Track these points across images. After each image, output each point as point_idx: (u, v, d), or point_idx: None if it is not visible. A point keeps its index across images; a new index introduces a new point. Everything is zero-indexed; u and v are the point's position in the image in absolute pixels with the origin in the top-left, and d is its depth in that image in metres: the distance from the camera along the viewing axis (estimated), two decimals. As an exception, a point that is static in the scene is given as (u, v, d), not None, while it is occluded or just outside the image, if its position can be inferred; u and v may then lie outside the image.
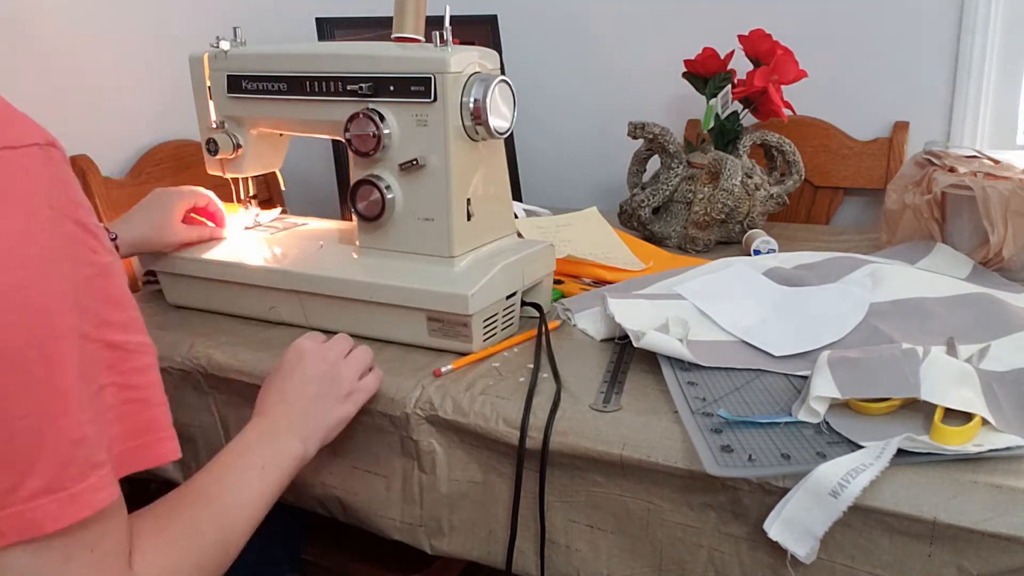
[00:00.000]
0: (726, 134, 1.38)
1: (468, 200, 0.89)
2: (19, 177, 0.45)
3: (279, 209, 1.15)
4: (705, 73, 1.42)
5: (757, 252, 1.19)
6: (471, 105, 0.86)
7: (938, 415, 0.65)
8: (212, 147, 1.01)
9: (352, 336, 0.93)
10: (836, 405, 0.70)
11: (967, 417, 0.65)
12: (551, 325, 0.93)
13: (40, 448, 0.45)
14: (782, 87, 1.37)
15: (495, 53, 0.92)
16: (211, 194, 1.04)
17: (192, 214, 1.04)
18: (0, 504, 0.45)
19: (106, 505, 0.48)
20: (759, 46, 1.37)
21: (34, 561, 0.46)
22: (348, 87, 0.90)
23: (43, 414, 0.45)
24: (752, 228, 1.29)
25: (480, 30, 1.71)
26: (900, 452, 0.62)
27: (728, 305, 0.91)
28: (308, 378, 0.74)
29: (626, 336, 0.84)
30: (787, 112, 1.38)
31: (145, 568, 0.53)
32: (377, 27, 1.47)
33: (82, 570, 0.48)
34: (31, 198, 0.45)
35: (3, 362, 0.44)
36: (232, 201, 1.10)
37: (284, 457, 0.69)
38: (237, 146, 1.01)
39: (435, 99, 0.85)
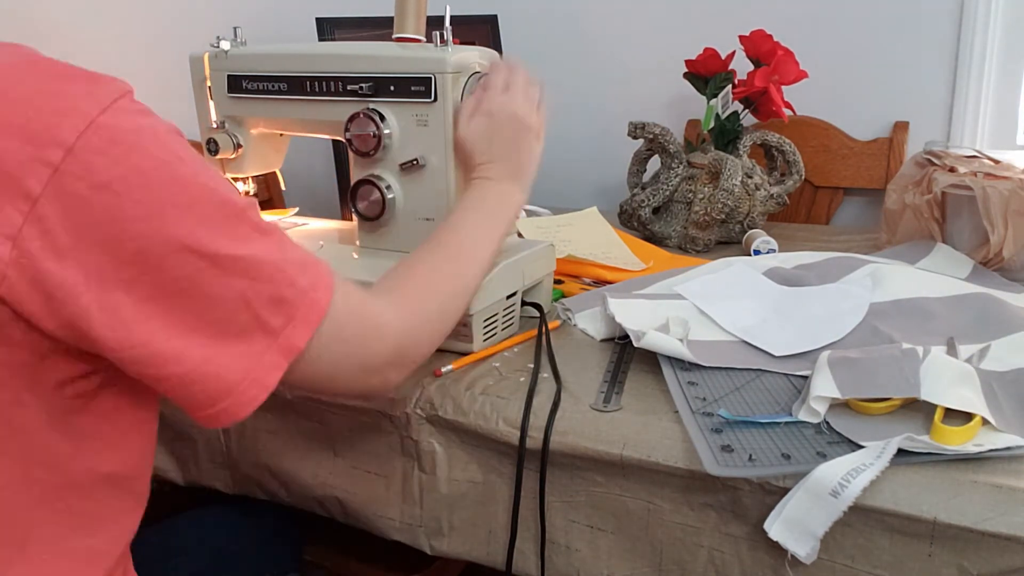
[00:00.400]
0: (726, 134, 1.38)
1: (468, 200, 0.89)
2: (140, 118, 0.52)
3: (295, 209, 1.15)
4: (706, 73, 1.42)
5: (757, 252, 1.20)
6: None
7: (938, 415, 0.65)
8: (212, 147, 1.01)
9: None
10: (836, 405, 0.70)
11: (967, 417, 0.65)
12: (551, 325, 0.93)
13: (268, 297, 0.55)
14: (782, 87, 1.37)
15: (495, 53, 0.92)
16: None
17: None
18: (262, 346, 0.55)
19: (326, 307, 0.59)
20: (760, 46, 1.37)
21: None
22: (348, 87, 0.90)
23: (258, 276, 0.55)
24: (752, 228, 1.29)
25: (480, 30, 1.71)
26: (900, 452, 0.62)
27: (728, 305, 0.91)
28: (510, 122, 0.83)
29: (626, 336, 0.85)
30: (787, 112, 1.38)
31: (400, 301, 0.67)
32: (377, 27, 1.47)
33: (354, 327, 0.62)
34: (157, 129, 0.53)
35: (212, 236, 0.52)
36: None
37: (511, 206, 0.82)
38: (237, 146, 1.01)
39: (435, 99, 0.85)
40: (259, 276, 0.54)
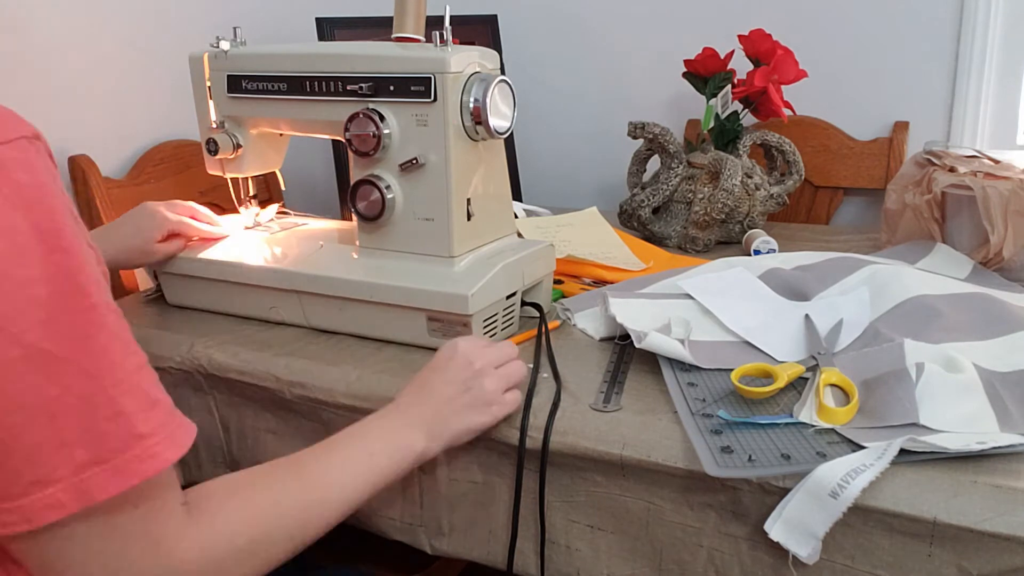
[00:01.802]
0: (726, 134, 1.38)
1: (468, 200, 0.89)
2: (14, 170, 0.44)
3: (277, 205, 1.14)
4: (705, 73, 1.42)
5: (757, 252, 1.19)
6: (471, 105, 0.86)
7: (820, 396, 0.69)
8: (212, 147, 1.01)
9: (352, 336, 0.93)
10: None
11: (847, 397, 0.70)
12: (551, 325, 0.93)
13: (84, 423, 0.45)
14: (782, 87, 1.37)
15: (495, 53, 0.92)
16: (194, 205, 1.03)
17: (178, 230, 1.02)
18: (51, 479, 0.45)
19: (154, 473, 0.48)
20: (759, 46, 1.37)
21: (87, 527, 0.47)
22: (348, 87, 0.90)
23: (82, 395, 0.45)
24: (752, 228, 1.29)
25: (480, 30, 1.71)
26: (900, 451, 0.62)
27: (731, 303, 0.91)
28: (449, 379, 0.72)
29: (626, 336, 0.84)
30: (787, 112, 1.38)
31: (204, 528, 0.52)
32: (377, 27, 1.47)
33: (133, 526, 0.49)
34: (31, 188, 0.45)
35: (49, 340, 0.44)
36: (233, 201, 1.10)
37: (401, 449, 0.67)
38: (237, 146, 1.01)
39: (435, 99, 0.85)
40: (80, 390, 0.45)
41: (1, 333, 0.43)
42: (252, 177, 1.08)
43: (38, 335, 0.44)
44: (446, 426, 0.70)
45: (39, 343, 0.44)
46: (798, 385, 0.76)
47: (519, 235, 1.03)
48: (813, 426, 0.68)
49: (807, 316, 0.86)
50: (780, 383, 0.72)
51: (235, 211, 1.10)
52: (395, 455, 0.67)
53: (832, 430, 0.67)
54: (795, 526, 0.61)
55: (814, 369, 0.76)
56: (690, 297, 0.93)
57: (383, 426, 0.68)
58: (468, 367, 0.72)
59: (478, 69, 0.88)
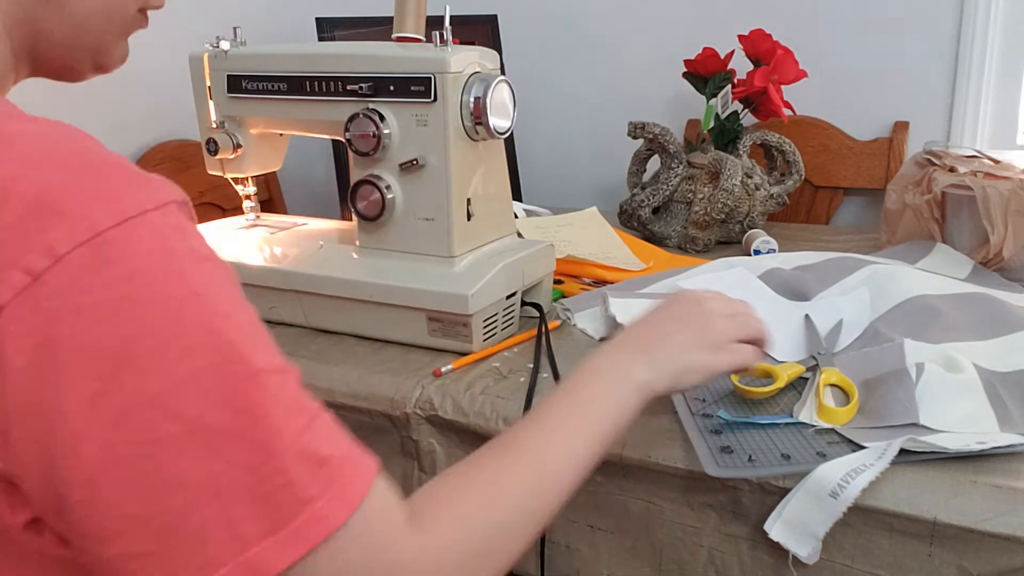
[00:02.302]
0: (726, 134, 1.38)
1: (468, 200, 0.89)
2: (167, 237, 0.43)
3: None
4: (705, 73, 1.42)
5: (757, 252, 1.19)
6: (471, 105, 0.86)
7: (820, 396, 0.69)
8: (212, 147, 1.01)
9: (352, 336, 0.93)
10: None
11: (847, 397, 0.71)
12: (551, 325, 0.93)
13: (251, 496, 0.42)
14: (782, 87, 1.37)
15: (495, 53, 0.92)
16: None
17: None
18: (219, 562, 0.41)
19: (322, 538, 0.43)
20: (759, 46, 1.37)
21: None
22: (348, 87, 0.89)
23: (248, 466, 0.42)
24: (752, 228, 1.29)
25: (480, 30, 1.71)
26: (900, 451, 0.62)
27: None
28: (672, 316, 0.65)
29: (626, 336, 0.84)
30: (787, 112, 1.38)
31: (434, 538, 0.48)
32: (377, 27, 1.47)
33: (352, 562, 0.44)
34: (183, 255, 0.43)
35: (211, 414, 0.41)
36: (233, 200, 1.10)
37: (625, 383, 0.59)
38: (237, 146, 1.01)
39: (435, 99, 0.85)
40: (245, 462, 0.42)
41: (160, 408, 0.40)
42: (252, 177, 1.08)
43: (199, 408, 0.41)
44: (670, 359, 0.61)
45: (201, 417, 0.41)
46: (798, 385, 0.76)
47: (519, 235, 1.03)
48: (813, 426, 0.68)
49: (807, 316, 0.86)
50: (780, 383, 0.72)
51: (235, 211, 1.10)
52: (622, 394, 0.59)
53: (832, 430, 0.67)
54: (795, 526, 0.61)
55: (814, 369, 0.76)
56: (690, 297, 0.93)
57: (602, 366, 0.60)
58: (696, 307, 0.66)
59: (478, 69, 0.88)
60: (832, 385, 0.73)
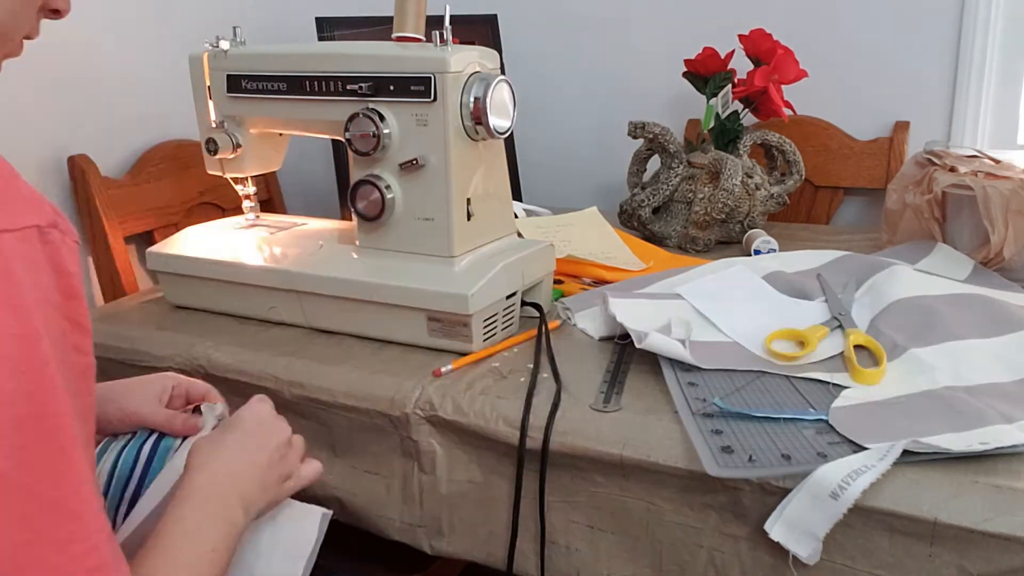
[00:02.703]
0: (726, 134, 1.37)
1: (468, 200, 0.89)
2: (15, 266, 0.39)
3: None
4: (705, 73, 1.42)
5: (757, 252, 1.19)
6: (471, 105, 0.86)
7: (853, 358, 0.74)
8: (212, 147, 1.01)
9: (352, 336, 0.93)
10: (837, 407, 0.70)
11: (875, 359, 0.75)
12: (551, 325, 0.93)
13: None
14: (782, 87, 1.37)
15: (495, 53, 0.92)
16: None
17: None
18: None
19: None
20: (759, 46, 1.37)
21: None
22: (348, 87, 0.89)
23: (59, 541, 0.39)
24: (752, 228, 1.29)
25: (480, 30, 1.71)
26: (901, 452, 0.61)
27: (728, 307, 0.91)
28: (263, 446, 0.63)
29: (626, 336, 0.84)
30: (787, 112, 1.38)
31: None
32: (377, 27, 1.47)
33: None
34: (29, 290, 0.40)
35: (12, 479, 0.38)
36: (232, 200, 1.10)
37: (231, 534, 0.57)
38: (237, 146, 1.01)
39: (435, 99, 0.85)
40: (55, 537, 0.38)
41: None
42: (252, 177, 1.08)
43: (11, 463, 0.37)
44: (263, 499, 0.62)
45: (11, 473, 0.37)
46: (798, 385, 0.76)
47: (519, 235, 1.03)
48: (814, 422, 0.68)
49: (819, 276, 0.87)
50: (811, 346, 0.77)
51: (235, 211, 1.10)
52: (230, 542, 0.57)
53: (832, 430, 0.67)
54: (795, 526, 0.61)
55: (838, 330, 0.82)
56: (690, 297, 0.93)
57: (209, 512, 0.57)
58: (281, 434, 0.66)
59: (478, 69, 0.88)
60: (859, 347, 0.78)
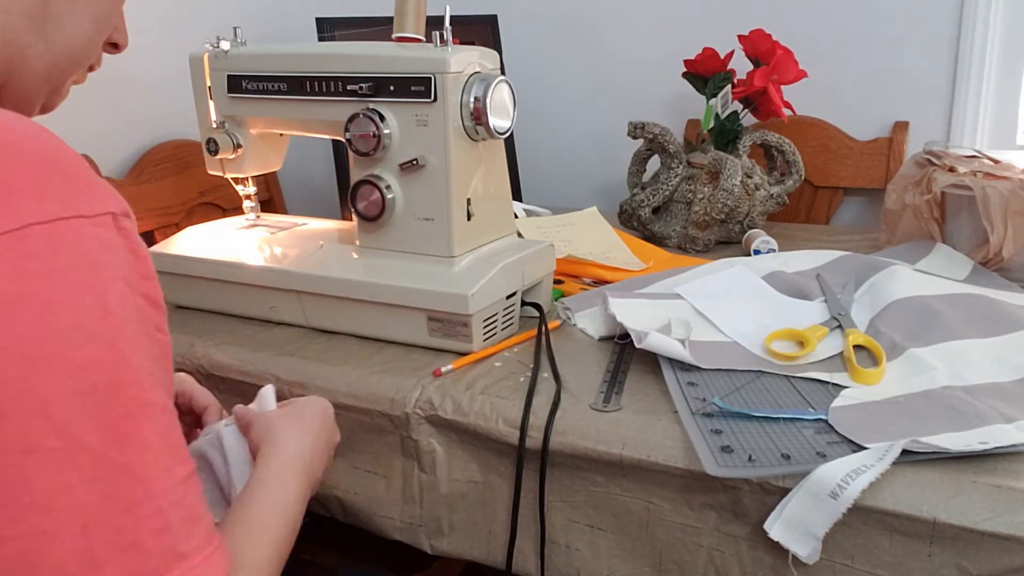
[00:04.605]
0: (726, 134, 1.38)
1: (468, 200, 0.89)
2: (92, 248, 0.41)
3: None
4: (705, 73, 1.42)
5: (757, 252, 1.19)
6: (471, 105, 0.86)
7: (852, 359, 0.75)
8: (212, 147, 1.01)
9: (352, 336, 0.93)
10: (837, 406, 0.70)
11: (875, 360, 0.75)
12: (551, 325, 0.93)
13: (123, 537, 0.40)
14: (782, 87, 1.37)
15: (495, 53, 0.92)
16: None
17: None
18: None
19: None
20: (759, 46, 1.37)
21: None
22: (348, 87, 0.90)
23: (125, 503, 0.40)
24: (752, 228, 1.29)
25: (480, 30, 1.71)
26: (901, 451, 0.62)
27: (728, 307, 0.91)
28: (331, 443, 0.69)
29: (626, 336, 0.84)
30: (787, 112, 1.38)
31: None
32: (377, 27, 1.47)
33: None
34: (105, 269, 0.42)
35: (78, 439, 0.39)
36: (233, 201, 1.10)
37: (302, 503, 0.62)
38: (237, 146, 1.01)
39: (435, 99, 0.85)
40: (121, 497, 0.40)
41: (43, 418, 0.38)
42: (252, 177, 1.08)
43: (84, 427, 0.39)
44: (323, 467, 0.67)
45: (84, 437, 0.39)
46: (797, 382, 0.76)
47: (519, 235, 1.03)
48: (813, 425, 0.68)
49: (819, 276, 0.87)
50: (811, 347, 0.77)
51: (235, 211, 1.10)
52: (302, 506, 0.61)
53: (832, 430, 0.67)
54: (795, 526, 0.61)
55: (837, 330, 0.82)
56: (690, 297, 0.93)
57: (302, 494, 0.62)
58: (335, 435, 0.71)
59: (478, 69, 0.88)
60: (858, 347, 0.78)
